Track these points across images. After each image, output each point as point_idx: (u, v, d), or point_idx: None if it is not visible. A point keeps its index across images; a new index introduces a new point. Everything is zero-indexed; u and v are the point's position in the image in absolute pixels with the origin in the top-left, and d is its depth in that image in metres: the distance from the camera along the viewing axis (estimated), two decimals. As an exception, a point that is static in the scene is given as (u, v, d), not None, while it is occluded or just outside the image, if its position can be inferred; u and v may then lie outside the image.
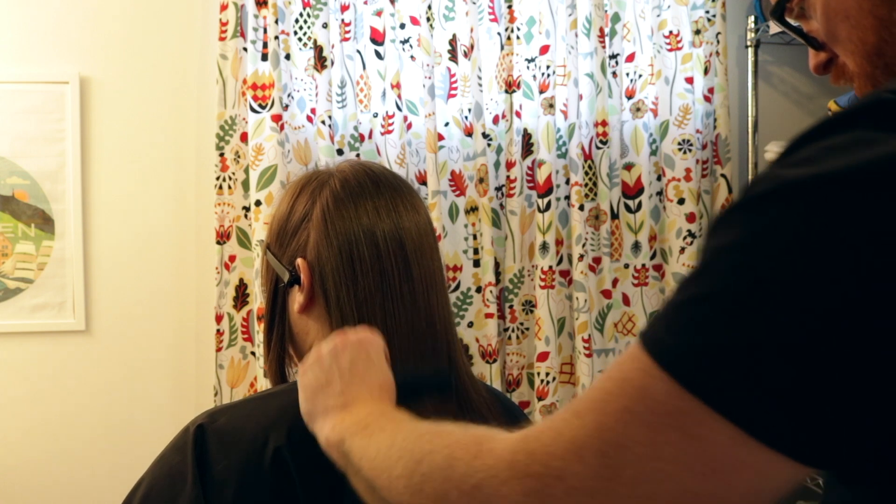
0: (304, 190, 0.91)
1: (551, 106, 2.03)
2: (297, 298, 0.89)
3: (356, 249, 0.86)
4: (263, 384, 1.84)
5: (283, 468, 0.79)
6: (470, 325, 2.04)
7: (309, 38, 1.93)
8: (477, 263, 2.03)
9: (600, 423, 0.46)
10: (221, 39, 1.86)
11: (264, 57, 1.88)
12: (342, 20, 1.93)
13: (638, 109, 2.11)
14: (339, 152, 1.93)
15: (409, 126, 1.99)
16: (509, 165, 2.04)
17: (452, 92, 2.01)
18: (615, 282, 2.12)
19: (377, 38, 1.96)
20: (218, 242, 1.90)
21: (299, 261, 0.88)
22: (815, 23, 0.61)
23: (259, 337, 1.86)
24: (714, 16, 2.09)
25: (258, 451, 0.80)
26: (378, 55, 1.96)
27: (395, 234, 0.87)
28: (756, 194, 0.46)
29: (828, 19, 0.60)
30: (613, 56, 2.09)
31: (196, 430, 0.82)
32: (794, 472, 0.43)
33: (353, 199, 0.87)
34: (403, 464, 0.59)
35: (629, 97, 2.12)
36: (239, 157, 1.90)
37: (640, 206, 2.11)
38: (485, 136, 2.01)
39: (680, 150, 2.10)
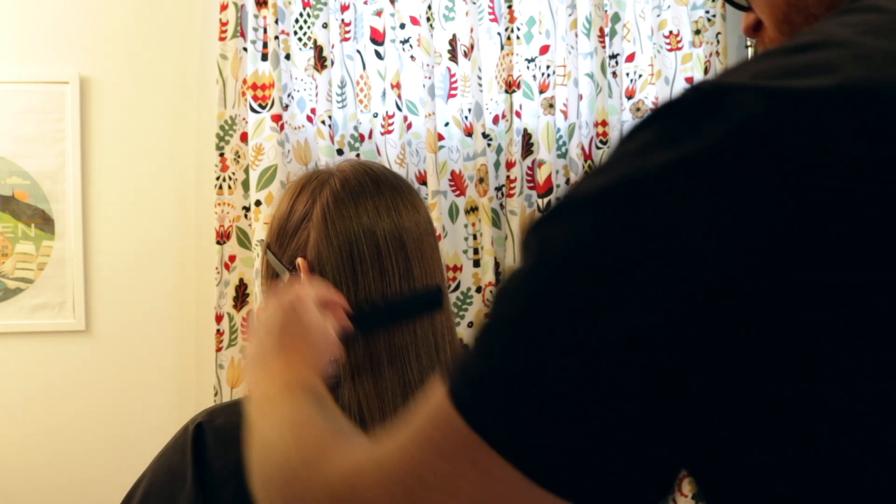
0: (305, 189, 0.91)
1: (551, 106, 2.03)
2: None
3: (356, 248, 0.86)
4: (263, 384, 1.84)
5: None
6: (470, 325, 2.04)
7: (309, 38, 1.93)
8: (477, 263, 2.03)
9: (407, 452, 0.43)
10: (221, 39, 1.86)
11: (264, 57, 1.88)
12: (342, 20, 1.93)
13: (638, 109, 2.11)
14: (339, 152, 1.93)
15: (409, 126, 1.99)
16: (509, 165, 2.04)
17: (452, 92, 2.01)
18: (615, 282, 2.12)
19: (377, 38, 1.96)
20: (218, 242, 1.90)
21: (299, 260, 0.88)
22: None
23: (259, 337, 1.86)
24: (714, 16, 2.09)
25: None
26: (378, 55, 1.96)
27: (395, 233, 0.87)
28: (541, 215, 0.43)
29: None
30: (613, 56, 2.10)
31: (195, 428, 0.82)
32: None
33: (353, 198, 0.88)
34: (258, 446, 0.61)
35: (629, 97, 2.12)
36: (239, 157, 1.90)
37: (640, 206, 2.11)
38: (485, 136, 2.01)
39: (680, 150, 2.10)
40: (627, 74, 2.12)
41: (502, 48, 2.03)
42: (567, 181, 2.07)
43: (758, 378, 0.38)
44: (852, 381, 0.38)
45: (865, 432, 0.38)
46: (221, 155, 1.89)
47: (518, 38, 2.03)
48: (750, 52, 2.19)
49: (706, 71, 2.10)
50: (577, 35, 2.03)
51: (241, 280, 1.90)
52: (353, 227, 0.86)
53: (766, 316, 0.37)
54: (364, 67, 1.95)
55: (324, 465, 0.50)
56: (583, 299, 0.39)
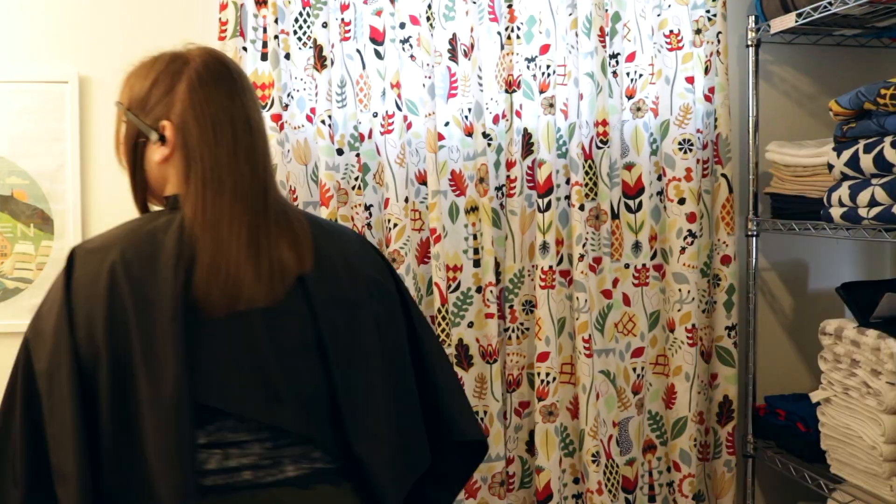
0: (166, 69, 1.15)
1: (551, 105, 2.02)
2: (158, 152, 1.14)
3: (217, 121, 1.12)
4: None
5: (113, 278, 1.06)
6: (470, 325, 2.03)
7: (309, 38, 1.92)
8: (477, 263, 2.02)
9: None
10: (221, 39, 1.86)
11: (264, 56, 1.87)
12: (342, 20, 1.93)
13: (638, 109, 2.11)
14: (339, 152, 1.93)
15: (409, 126, 1.99)
16: (509, 165, 2.04)
17: (452, 92, 2.01)
18: (615, 282, 2.11)
19: (377, 38, 1.95)
20: (217, 242, 1.89)
21: (166, 122, 1.13)
22: None
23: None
24: (715, 15, 2.08)
25: (100, 263, 1.08)
26: (378, 55, 1.96)
27: (242, 112, 1.15)
28: None
29: None
30: (614, 55, 2.09)
31: (70, 253, 1.13)
32: None
33: (213, 79, 1.14)
34: None
35: (629, 97, 2.11)
36: (238, 156, 1.90)
37: (640, 205, 2.11)
38: (485, 135, 2.00)
39: (680, 149, 2.10)
40: (628, 74, 2.11)
41: (502, 48, 2.03)
42: (567, 181, 2.07)
43: None
44: None
45: None
46: (221, 155, 1.88)
47: (518, 37, 2.03)
48: (750, 52, 2.19)
49: (706, 71, 2.09)
50: (577, 34, 2.02)
51: (240, 280, 1.90)
52: (215, 104, 1.13)
53: None
54: (364, 67, 1.95)
55: None
56: None
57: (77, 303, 1.07)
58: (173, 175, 1.15)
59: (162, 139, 1.14)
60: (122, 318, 1.04)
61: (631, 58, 2.11)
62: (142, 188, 1.20)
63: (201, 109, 1.12)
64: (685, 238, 2.10)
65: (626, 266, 2.12)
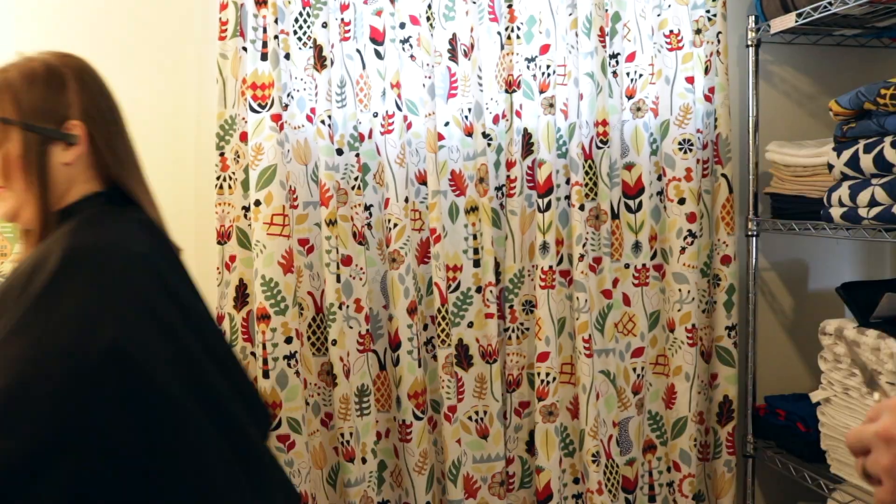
0: (44, 75, 1.14)
1: (551, 105, 2.02)
2: (67, 154, 1.15)
3: (112, 108, 1.20)
4: (262, 384, 1.84)
5: (158, 274, 1.11)
6: (470, 325, 2.03)
7: (308, 38, 1.92)
8: (477, 263, 2.02)
9: None
10: (221, 39, 1.86)
11: (264, 56, 1.87)
12: (342, 19, 1.93)
13: (638, 109, 2.11)
14: (339, 152, 1.93)
15: (409, 126, 1.99)
16: (509, 165, 2.04)
17: (452, 92, 2.01)
18: (615, 282, 2.11)
19: (377, 38, 1.95)
20: (218, 242, 1.89)
21: (75, 122, 1.15)
22: None
23: (258, 336, 1.85)
24: (715, 15, 2.08)
25: (143, 260, 1.09)
26: (378, 55, 1.96)
27: (118, 107, 1.22)
28: None
29: None
30: (614, 55, 2.09)
31: (108, 251, 1.08)
32: None
33: (91, 75, 1.19)
34: None
35: (629, 97, 2.11)
36: (239, 156, 1.90)
37: (640, 205, 2.11)
38: (485, 135, 2.01)
39: (680, 149, 2.10)
40: (628, 74, 2.11)
41: (502, 48, 2.03)
42: (567, 181, 2.07)
43: None
44: None
45: None
46: (221, 155, 1.89)
47: (518, 37, 2.03)
48: (750, 52, 2.19)
49: (706, 71, 2.09)
50: (577, 34, 2.02)
51: (241, 280, 1.90)
52: (104, 96, 1.19)
53: None
54: (364, 67, 1.95)
55: None
56: None
57: (147, 298, 1.06)
58: (82, 173, 1.18)
59: (71, 141, 1.16)
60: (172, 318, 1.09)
61: (631, 58, 2.11)
62: (51, 201, 1.15)
63: (98, 102, 1.18)
64: (685, 238, 2.10)
65: (626, 266, 2.12)
